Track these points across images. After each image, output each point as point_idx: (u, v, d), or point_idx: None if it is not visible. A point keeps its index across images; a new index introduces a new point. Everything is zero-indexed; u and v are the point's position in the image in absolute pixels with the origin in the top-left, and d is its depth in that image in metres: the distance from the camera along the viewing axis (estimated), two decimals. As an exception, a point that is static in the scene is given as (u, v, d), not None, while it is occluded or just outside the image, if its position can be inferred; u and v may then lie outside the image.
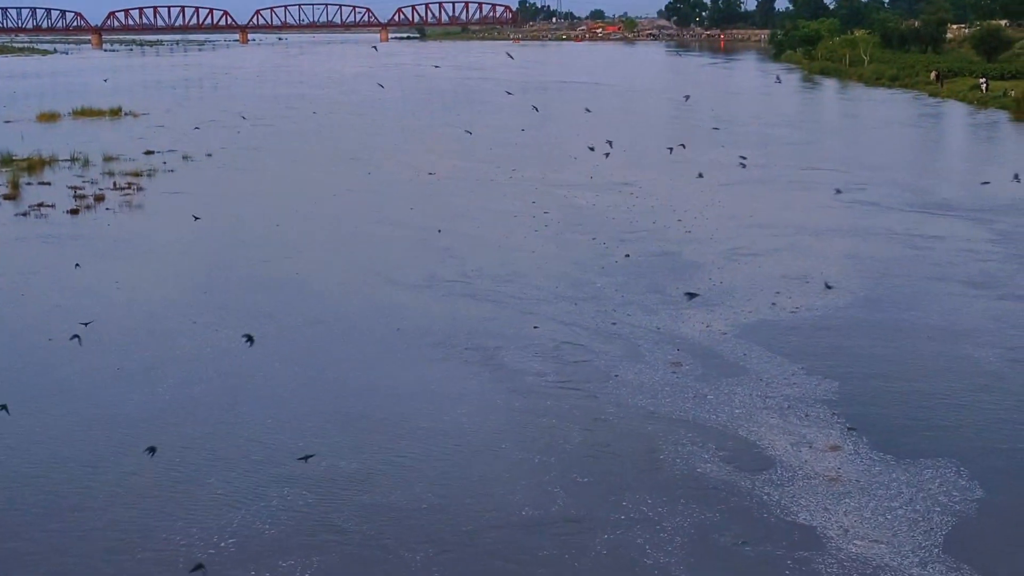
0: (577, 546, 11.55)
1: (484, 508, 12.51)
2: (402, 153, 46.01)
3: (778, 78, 74.37)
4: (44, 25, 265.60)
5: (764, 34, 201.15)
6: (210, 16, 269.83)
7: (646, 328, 19.42)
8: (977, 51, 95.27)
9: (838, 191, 31.62)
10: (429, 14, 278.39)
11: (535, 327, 19.86)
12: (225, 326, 20.32)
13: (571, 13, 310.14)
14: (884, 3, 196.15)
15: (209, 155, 45.21)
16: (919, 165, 41.26)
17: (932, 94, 72.72)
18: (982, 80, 69.46)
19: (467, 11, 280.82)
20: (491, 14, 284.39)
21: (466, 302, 21.93)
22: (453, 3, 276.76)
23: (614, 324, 19.82)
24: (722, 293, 21.63)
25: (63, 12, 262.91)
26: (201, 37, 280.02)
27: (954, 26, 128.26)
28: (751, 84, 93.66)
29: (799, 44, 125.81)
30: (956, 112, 61.77)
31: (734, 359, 17.60)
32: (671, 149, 36.51)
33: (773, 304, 20.75)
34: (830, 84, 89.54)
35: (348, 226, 30.66)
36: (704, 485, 12.95)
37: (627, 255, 25.01)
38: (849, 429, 14.48)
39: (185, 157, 44.36)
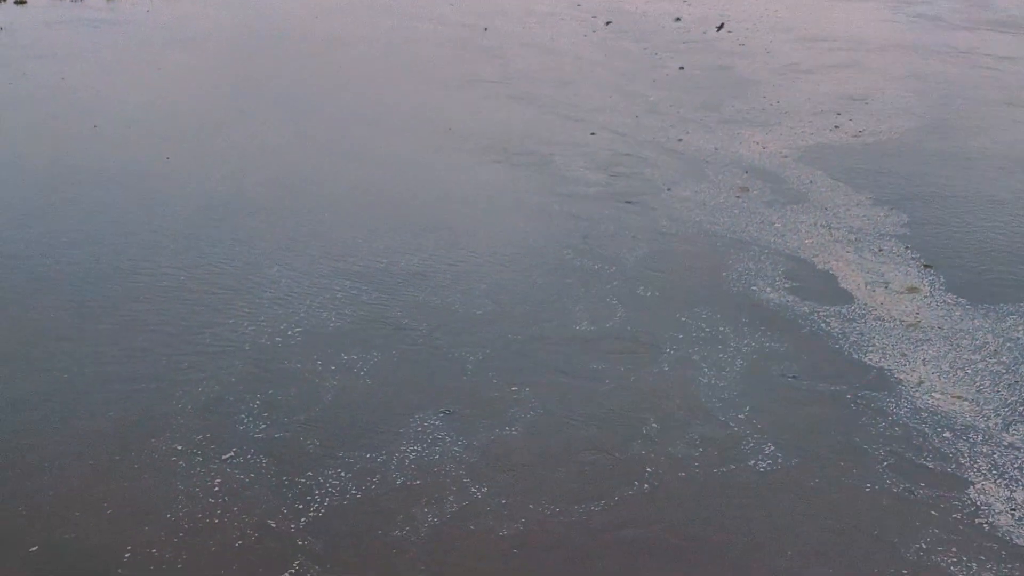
0: (633, 363, 11.11)
1: (541, 317, 12.14)
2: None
3: None
4: None
5: None
6: None
7: (704, 147, 18.59)
8: None
9: None
10: None
11: (592, 133, 19.34)
12: (274, 120, 19.88)
13: None
14: None
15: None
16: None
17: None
18: None
19: None
20: None
21: (516, 105, 21.30)
22: None
23: (680, 140, 19.02)
24: (781, 113, 20.66)
25: None
26: None
27: None
28: None
29: None
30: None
31: (798, 185, 16.74)
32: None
33: (836, 127, 19.76)
34: None
35: (389, 21, 29.83)
36: (770, 312, 12.31)
37: (681, 67, 24.16)
38: (925, 267, 13.66)
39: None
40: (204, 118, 20.06)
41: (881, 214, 15.54)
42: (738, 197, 16.15)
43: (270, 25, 29.01)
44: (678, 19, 23.40)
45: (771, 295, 12.80)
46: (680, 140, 18.99)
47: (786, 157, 18.06)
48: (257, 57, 25.29)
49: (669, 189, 16.50)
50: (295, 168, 17.32)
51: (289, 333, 11.56)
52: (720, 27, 24.07)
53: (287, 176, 16.89)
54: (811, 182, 16.82)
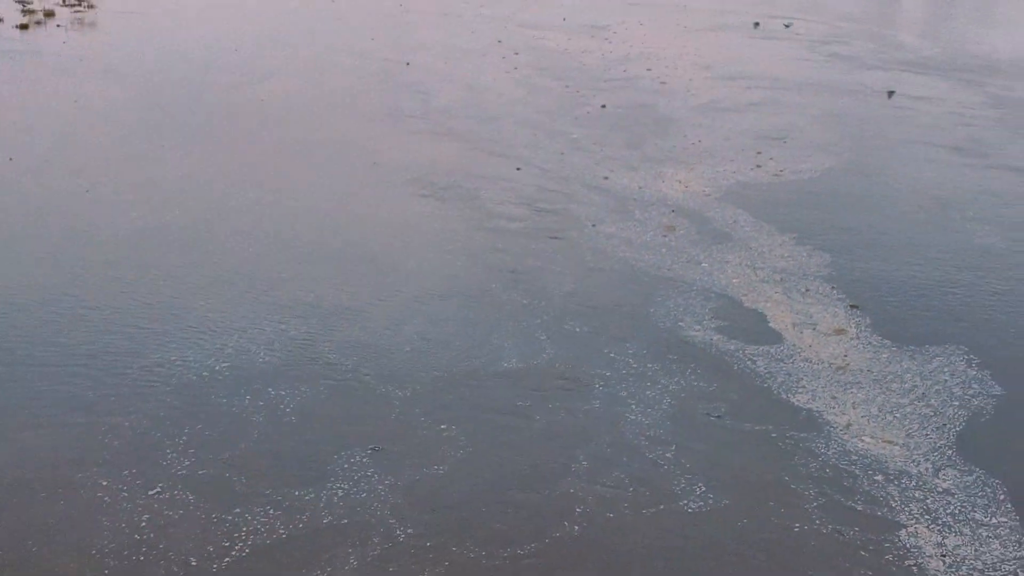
0: (562, 400, 11.04)
1: (470, 353, 12.04)
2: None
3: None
4: None
5: None
6: None
7: (629, 185, 18.59)
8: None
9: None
10: None
11: (518, 168, 19.36)
12: (195, 153, 19.52)
13: None
14: None
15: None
16: (887, 16, 40.40)
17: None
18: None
19: None
20: None
21: (440, 140, 21.22)
22: None
23: (606, 178, 18.99)
24: (702, 151, 20.74)
25: None
26: None
27: None
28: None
29: None
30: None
31: (723, 224, 16.80)
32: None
33: (758, 166, 19.90)
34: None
35: (310, 53, 29.61)
36: (698, 350, 12.29)
37: (603, 105, 24.27)
38: (851, 307, 13.76)
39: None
40: (124, 150, 19.67)
41: (805, 254, 15.66)
42: (665, 236, 16.16)
43: (190, 57, 28.52)
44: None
45: (699, 333, 12.79)
46: (606, 178, 18.97)
47: (709, 195, 18.14)
48: (177, 89, 24.80)
49: (594, 225, 16.49)
50: (219, 202, 17.03)
51: (217, 368, 11.35)
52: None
53: (211, 209, 16.61)
54: (735, 221, 16.90)
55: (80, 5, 35.20)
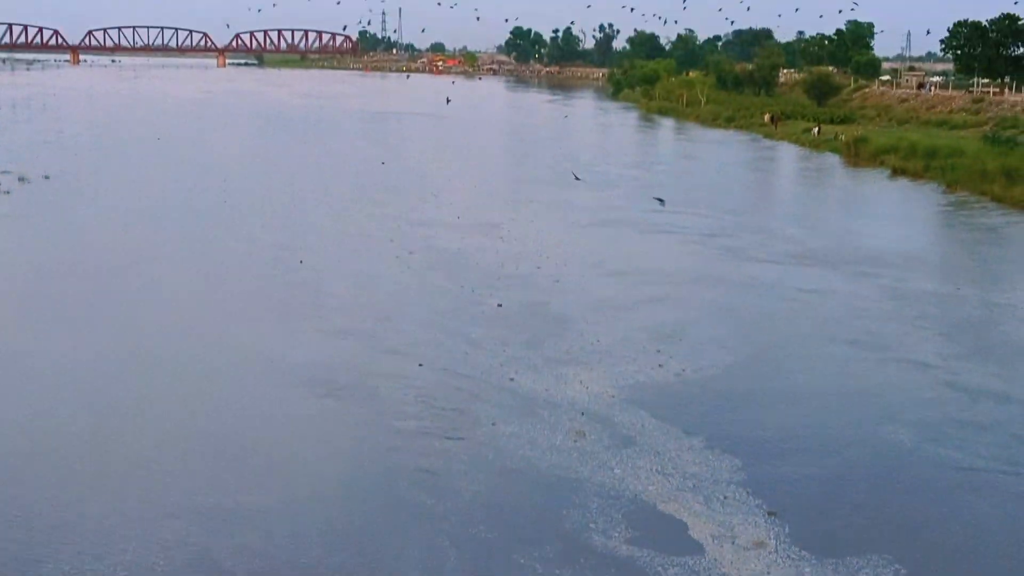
0: None
1: (371, 564, 11.69)
2: (254, 183, 44.44)
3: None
4: None
5: (602, 72, 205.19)
6: (39, 35, 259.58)
7: (533, 387, 18.28)
8: (808, 95, 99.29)
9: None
10: (268, 41, 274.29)
11: (420, 365, 19.28)
12: (80, 366, 19.11)
13: (412, 45, 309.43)
14: (718, 47, 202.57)
15: (47, 177, 43.09)
16: (775, 209, 41.74)
17: (767, 135, 75.03)
18: (815, 126, 72.17)
19: (306, 39, 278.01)
20: (331, 43, 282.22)
21: (336, 339, 21.12)
22: (292, 31, 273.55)
23: (511, 380, 18.70)
24: (602, 352, 20.54)
25: None
26: (30, 56, 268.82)
27: (785, 70, 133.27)
28: (593, 122, 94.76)
29: (637, 83, 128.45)
30: (793, 155, 63.65)
31: (629, 429, 16.42)
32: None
33: (660, 365, 19.71)
34: (669, 123, 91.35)
35: (199, 248, 29.51)
36: (613, 563, 11.82)
37: (499, 304, 24.20)
38: (769, 514, 13.33)
39: (21, 179, 42.06)
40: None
41: (715, 458, 15.32)
42: (575, 441, 15.80)
43: (76, 259, 28.25)
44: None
45: (612, 543, 12.41)
46: (512, 379, 18.74)
47: (614, 397, 17.91)
48: (60, 296, 24.29)
49: (496, 425, 16.24)
50: (110, 401, 16.82)
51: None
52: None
53: (101, 409, 16.40)
54: (642, 425, 16.58)
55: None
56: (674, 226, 35.34)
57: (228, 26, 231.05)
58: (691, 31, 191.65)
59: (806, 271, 28.66)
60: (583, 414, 16.99)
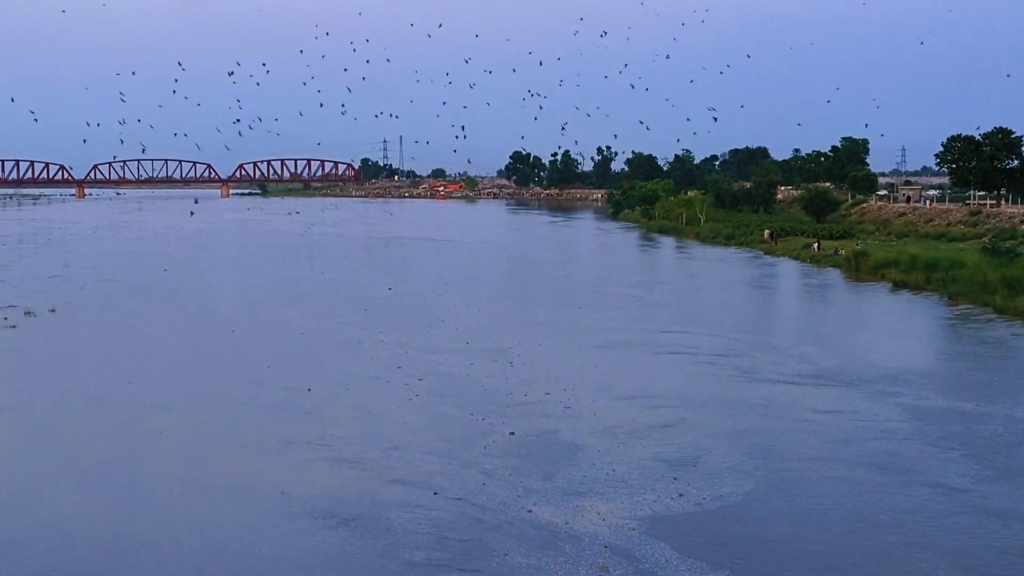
0: None
1: None
2: (262, 311, 44.42)
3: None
4: None
5: (600, 193, 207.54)
6: (45, 170, 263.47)
7: (551, 520, 17.89)
8: (807, 211, 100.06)
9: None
10: (271, 170, 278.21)
11: (435, 493, 19.11)
12: (89, 502, 19.00)
13: (413, 172, 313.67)
14: (715, 166, 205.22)
15: (53, 311, 43.13)
16: (782, 327, 41.40)
17: (767, 252, 75.34)
18: (815, 242, 72.55)
19: (309, 168, 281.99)
20: (333, 171, 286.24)
21: (345, 469, 20.97)
22: (295, 160, 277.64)
23: (529, 512, 18.31)
24: (617, 481, 20.11)
25: None
26: (35, 191, 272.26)
27: (783, 188, 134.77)
28: (595, 243, 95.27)
29: (637, 203, 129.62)
30: (794, 270, 63.72)
31: (652, 564, 15.95)
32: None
33: (680, 495, 19.26)
34: (669, 242, 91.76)
35: (204, 385, 29.14)
36: None
37: (512, 433, 23.83)
38: None
39: (27, 313, 42.19)
40: (8, 510, 18.81)
41: (747, 595, 14.84)
42: (597, 576, 15.38)
43: (81, 390, 28.22)
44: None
45: None
46: (529, 511, 18.35)
47: (634, 530, 17.45)
48: (67, 432, 24.25)
49: (514, 557, 15.94)
50: (117, 535, 16.76)
51: None
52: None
53: (113, 556, 16.13)
54: (666, 560, 16.13)
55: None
56: (683, 347, 35.08)
57: (228, 148, 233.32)
58: (688, 151, 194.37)
59: (821, 390, 28.26)
60: (606, 547, 16.57)
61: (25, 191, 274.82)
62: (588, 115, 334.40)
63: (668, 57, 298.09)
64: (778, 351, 34.40)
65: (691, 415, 25.65)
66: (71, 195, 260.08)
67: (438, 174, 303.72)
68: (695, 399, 27.38)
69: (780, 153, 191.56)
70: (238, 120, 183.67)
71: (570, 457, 21.89)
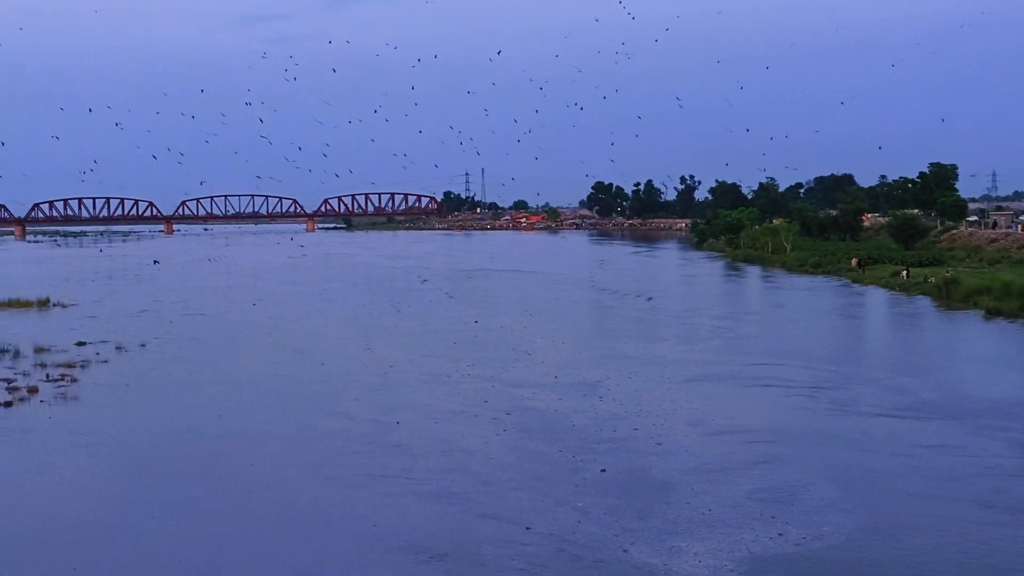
0: None
1: None
2: (351, 344, 44.76)
3: None
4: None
5: (684, 223, 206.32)
6: (135, 207, 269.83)
7: (648, 561, 17.60)
8: (895, 239, 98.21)
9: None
10: (355, 204, 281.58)
11: (527, 528, 19.11)
12: (181, 533, 19.27)
13: (495, 204, 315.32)
14: (800, 193, 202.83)
15: (143, 345, 44.04)
16: (877, 358, 40.32)
17: (855, 280, 73.99)
18: (903, 269, 71.12)
19: (392, 202, 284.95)
20: (416, 204, 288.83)
21: (434, 503, 20.96)
22: (379, 194, 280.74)
23: (625, 552, 18.03)
24: (715, 521, 19.65)
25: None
26: (126, 228, 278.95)
27: (869, 215, 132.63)
28: (679, 273, 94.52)
29: (721, 232, 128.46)
30: (884, 299, 62.38)
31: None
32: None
33: (779, 535, 18.77)
34: (755, 271, 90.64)
35: (297, 418, 29.35)
36: None
37: (603, 470, 23.51)
38: None
39: (119, 348, 43.17)
40: (106, 537, 19.44)
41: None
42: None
43: (173, 426, 28.62)
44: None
45: None
46: (625, 551, 18.07)
47: (732, 572, 17.05)
48: (158, 460, 24.89)
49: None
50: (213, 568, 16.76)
51: None
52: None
53: None
54: (771, 606, 15.69)
55: (63, 380, 35.26)
56: (774, 379, 34.44)
57: (315, 181, 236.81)
58: (772, 179, 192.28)
59: (921, 424, 27.45)
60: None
61: (116, 228, 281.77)
62: (669, 148, 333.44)
63: (742, 88, 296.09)
64: (874, 383, 33.57)
65: (787, 450, 25.07)
66: (160, 231, 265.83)
67: (520, 206, 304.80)
68: (790, 433, 26.79)
69: (866, 180, 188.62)
70: (325, 155, 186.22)
71: (664, 495, 21.51)
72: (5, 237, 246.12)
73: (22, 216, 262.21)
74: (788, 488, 21.82)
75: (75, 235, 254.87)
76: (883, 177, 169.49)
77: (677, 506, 20.73)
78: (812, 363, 37.53)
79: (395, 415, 29.02)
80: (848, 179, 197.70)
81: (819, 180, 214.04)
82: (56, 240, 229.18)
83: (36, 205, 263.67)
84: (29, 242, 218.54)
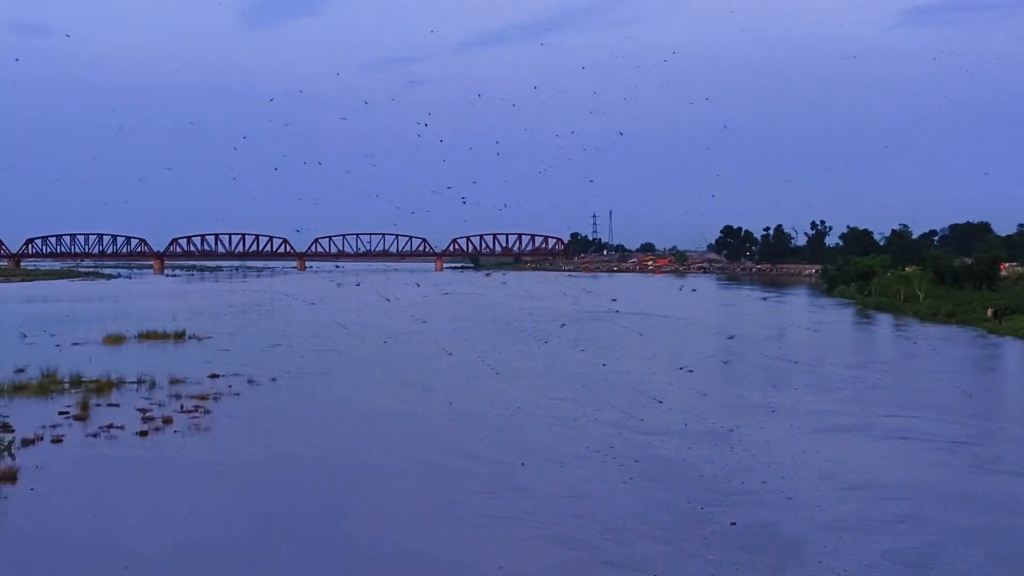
0: None
1: None
2: (478, 384, 45.02)
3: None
4: (109, 251, 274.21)
5: (814, 269, 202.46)
6: (270, 244, 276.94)
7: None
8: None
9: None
10: (483, 244, 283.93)
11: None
12: (307, 569, 19.83)
13: (622, 245, 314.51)
14: (934, 241, 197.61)
15: (274, 379, 45.06)
16: (1018, 412, 38.94)
17: (991, 331, 71.49)
18: (1042, 318, 68.63)
19: (520, 242, 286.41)
20: (543, 245, 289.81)
21: (557, 549, 20.96)
22: (507, 235, 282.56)
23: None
24: (850, 585, 19.16)
25: (128, 238, 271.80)
26: (260, 264, 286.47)
27: (1007, 264, 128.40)
28: (809, 319, 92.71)
29: (852, 279, 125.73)
30: (1022, 350, 60.22)
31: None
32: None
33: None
34: (886, 319, 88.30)
35: (424, 456, 29.69)
36: None
37: (733, 523, 23.06)
38: None
39: (250, 381, 44.29)
40: (235, 555, 20.36)
41: None
42: None
43: (301, 460, 29.28)
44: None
45: None
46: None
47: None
48: (286, 493, 25.54)
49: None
50: None
51: None
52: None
53: None
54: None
55: (196, 412, 36.26)
56: (910, 432, 33.42)
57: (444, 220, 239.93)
58: (905, 226, 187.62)
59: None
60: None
61: (250, 263, 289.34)
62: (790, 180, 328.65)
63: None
64: (1018, 440, 32.31)
65: (925, 509, 24.24)
66: (292, 267, 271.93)
67: (647, 248, 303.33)
68: (928, 491, 25.90)
69: (1003, 228, 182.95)
70: (464, 201, 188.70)
71: (796, 552, 21.00)
72: (144, 271, 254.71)
73: (161, 251, 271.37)
74: (927, 550, 21.08)
75: (211, 269, 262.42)
76: (1021, 226, 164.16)
77: (810, 564, 20.20)
78: (949, 416, 36.31)
79: (521, 457, 29.03)
80: (985, 227, 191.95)
81: (954, 228, 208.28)
82: (192, 274, 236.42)
83: (174, 240, 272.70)
84: (167, 276, 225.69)
